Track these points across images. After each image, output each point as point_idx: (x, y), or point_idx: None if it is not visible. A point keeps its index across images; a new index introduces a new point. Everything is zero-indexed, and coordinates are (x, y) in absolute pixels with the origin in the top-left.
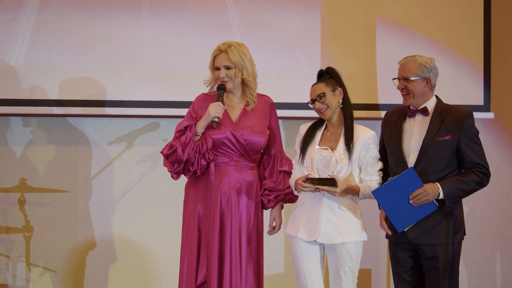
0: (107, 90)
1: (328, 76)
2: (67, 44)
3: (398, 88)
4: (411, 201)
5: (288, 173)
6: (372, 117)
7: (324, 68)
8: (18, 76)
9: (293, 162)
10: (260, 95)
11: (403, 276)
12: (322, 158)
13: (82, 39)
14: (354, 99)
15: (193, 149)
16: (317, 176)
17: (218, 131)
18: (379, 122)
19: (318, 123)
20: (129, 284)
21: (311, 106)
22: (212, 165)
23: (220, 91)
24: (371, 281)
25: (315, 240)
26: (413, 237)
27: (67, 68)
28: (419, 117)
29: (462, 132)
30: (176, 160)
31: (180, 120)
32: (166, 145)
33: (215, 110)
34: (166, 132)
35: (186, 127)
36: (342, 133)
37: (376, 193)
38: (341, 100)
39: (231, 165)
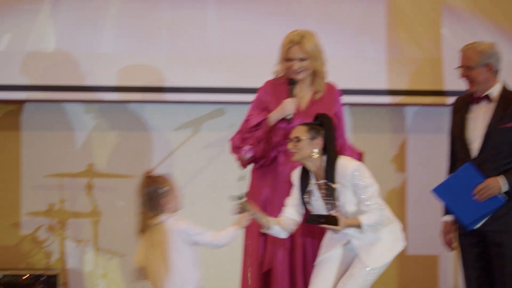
0: (171, 76)
1: (318, 122)
2: (131, 30)
3: (461, 76)
4: (475, 197)
5: None
6: (437, 103)
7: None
8: (80, 63)
9: (287, 202)
10: (328, 84)
11: (470, 263)
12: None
13: (146, 25)
14: (419, 85)
15: (265, 141)
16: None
17: (287, 122)
18: (445, 108)
19: (305, 170)
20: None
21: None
22: (281, 154)
23: (292, 86)
24: (438, 267)
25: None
26: (480, 224)
27: (131, 54)
28: (483, 104)
29: None
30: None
31: (245, 106)
32: (236, 135)
33: (291, 107)
34: (232, 118)
35: (259, 123)
36: (323, 170)
37: (437, 191)
38: (317, 151)
39: None
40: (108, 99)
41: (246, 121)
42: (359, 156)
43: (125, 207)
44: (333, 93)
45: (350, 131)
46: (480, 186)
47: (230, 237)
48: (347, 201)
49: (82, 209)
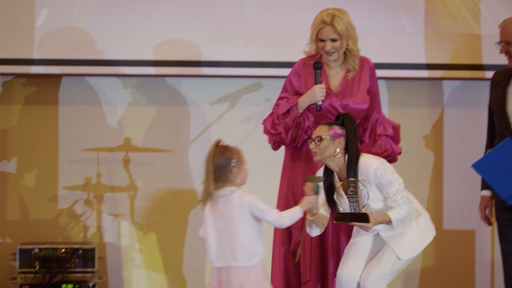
0: (208, 50)
1: (339, 122)
2: (168, 4)
3: (500, 51)
4: None
5: (388, 136)
6: (475, 77)
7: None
8: (116, 36)
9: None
10: (361, 59)
11: (509, 237)
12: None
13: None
14: (457, 59)
15: (295, 127)
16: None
17: (316, 109)
18: (483, 83)
19: (328, 170)
20: None
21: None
22: None
23: (317, 71)
24: (475, 242)
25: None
26: None
27: (167, 28)
28: None
29: None
30: (279, 141)
31: (282, 80)
32: (268, 118)
33: (320, 94)
34: (269, 92)
35: (289, 109)
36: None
37: (476, 166)
38: (339, 151)
39: None
40: (145, 73)
41: (277, 104)
42: (395, 129)
43: (161, 181)
44: (366, 68)
45: (387, 105)
46: None
47: (294, 218)
48: (373, 198)
49: (118, 183)
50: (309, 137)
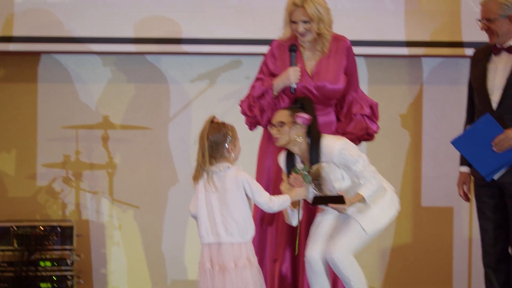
0: (188, 28)
1: (299, 106)
2: None
3: (481, 29)
4: (494, 148)
5: (365, 115)
6: (455, 54)
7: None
8: (95, 14)
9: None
10: (337, 38)
11: (487, 213)
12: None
13: None
14: (437, 37)
15: (271, 108)
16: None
17: (291, 92)
18: (462, 60)
19: (291, 154)
20: None
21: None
22: None
23: (292, 53)
24: (453, 219)
25: None
26: (497, 176)
27: (147, 5)
28: (504, 55)
29: None
30: (255, 123)
31: (261, 58)
32: (245, 100)
33: (294, 76)
34: (248, 70)
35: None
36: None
37: (455, 143)
38: (301, 136)
39: None
40: (125, 50)
41: (253, 86)
42: (373, 107)
43: (140, 159)
44: (342, 47)
45: (366, 83)
46: (499, 137)
47: (282, 205)
48: (336, 179)
49: (97, 160)
50: (269, 122)
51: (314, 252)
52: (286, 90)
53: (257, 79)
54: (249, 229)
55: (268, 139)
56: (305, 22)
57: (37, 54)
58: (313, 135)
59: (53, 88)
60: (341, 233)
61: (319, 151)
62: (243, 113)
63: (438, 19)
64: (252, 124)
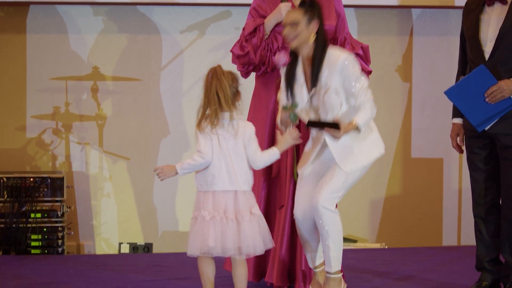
0: None
1: (308, 6)
2: None
3: None
4: (486, 99)
5: (358, 55)
6: (444, 5)
7: None
8: None
9: (280, 97)
10: None
11: (478, 164)
12: (310, 98)
13: None
14: None
15: (264, 48)
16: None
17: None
18: (452, 10)
19: (293, 60)
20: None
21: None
22: None
23: None
24: (443, 169)
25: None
26: (489, 126)
27: None
28: (497, 6)
29: None
30: (248, 63)
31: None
32: (236, 44)
33: (285, 11)
34: (238, 21)
35: (255, 28)
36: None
37: (449, 93)
38: (314, 35)
39: None
40: (116, 1)
41: (243, 29)
42: (364, 49)
43: (131, 110)
44: None
45: (356, 33)
46: (492, 88)
47: (268, 161)
48: (333, 107)
49: (87, 112)
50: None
51: (300, 214)
52: (278, 30)
53: (247, 23)
54: (250, 179)
55: (262, 89)
56: None
57: (26, 4)
58: (320, 38)
59: (43, 39)
60: (328, 179)
61: (323, 57)
62: (236, 56)
63: None
64: (245, 67)
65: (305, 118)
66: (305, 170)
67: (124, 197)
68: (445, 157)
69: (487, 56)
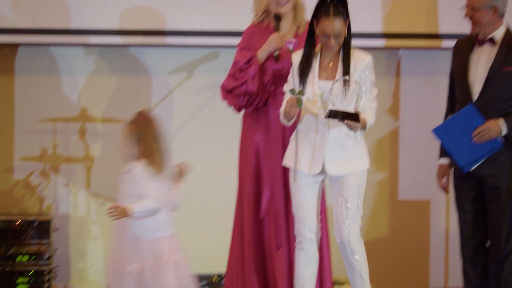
0: (168, 20)
1: (342, 7)
2: None
3: (465, 16)
4: (474, 139)
5: None
6: (432, 46)
7: None
8: (79, 6)
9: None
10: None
11: (466, 206)
12: (325, 90)
13: None
14: (414, 28)
15: (258, 80)
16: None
17: (274, 59)
18: (440, 52)
19: (310, 50)
20: (189, 212)
21: (324, 38)
22: (271, 96)
23: (277, 21)
24: (430, 211)
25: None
26: (476, 168)
27: None
28: (486, 47)
29: None
30: (245, 92)
31: None
32: (228, 78)
33: (278, 41)
34: (226, 61)
35: (250, 59)
36: (340, 60)
37: (436, 131)
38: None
39: None
40: (107, 43)
41: (235, 63)
42: None
43: (117, 152)
44: None
45: None
46: (480, 128)
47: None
48: (350, 102)
49: (75, 154)
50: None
51: (307, 232)
52: (269, 64)
53: (237, 57)
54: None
55: (249, 128)
56: None
57: (14, 46)
58: (349, 34)
59: (32, 80)
60: (340, 210)
61: (349, 59)
62: (229, 90)
63: (415, 10)
64: (240, 98)
65: (312, 109)
66: (304, 178)
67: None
68: (432, 198)
69: (475, 96)
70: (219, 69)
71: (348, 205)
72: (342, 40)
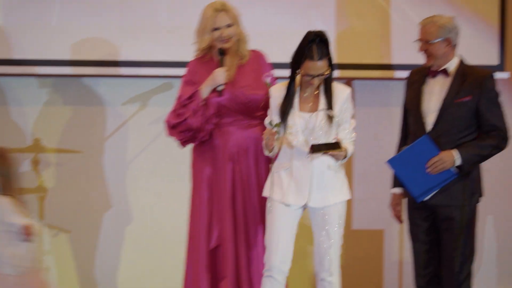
0: (121, 50)
1: (325, 47)
2: (80, 3)
3: (420, 50)
4: (428, 170)
5: None
6: (385, 77)
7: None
8: (32, 36)
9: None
10: (252, 51)
11: (420, 236)
12: (307, 123)
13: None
14: (367, 59)
15: (201, 115)
16: (320, 142)
17: (218, 94)
18: (392, 82)
19: (290, 84)
20: (143, 243)
21: (308, 78)
22: (216, 129)
23: (222, 56)
24: (384, 241)
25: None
26: (429, 198)
27: (81, 28)
28: (440, 78)
29: (483, 94)
30: (187, 129)
31: None
32: (171, 114)
33: (221, 77)
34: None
35: (192, 95)
36: (322, 93)
37: (391, 162)
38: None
39: (235, 124)
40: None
41: (178, 98)
42: None
43: (72, 182)
44: (259, 59)
45: None
46: (434, 159)
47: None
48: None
49: (27, 185)
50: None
51: (278, 261)
52: (212, 98)
53: (181, 92)
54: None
55: (198, 160)
56: (228, 26)
57: None
58: (329, 79)
59: None
60: (323, 249)
61: (331, 91)
62: (172, 126)
63: (368, 40)
64: (183, 134)
65: (292, 140)
66: (282, 209)
67: (65, 270)
68: (386, 228)
69: (429, 127)
70: (172, 100)
71: (331, 240)
72: (324, 76)
